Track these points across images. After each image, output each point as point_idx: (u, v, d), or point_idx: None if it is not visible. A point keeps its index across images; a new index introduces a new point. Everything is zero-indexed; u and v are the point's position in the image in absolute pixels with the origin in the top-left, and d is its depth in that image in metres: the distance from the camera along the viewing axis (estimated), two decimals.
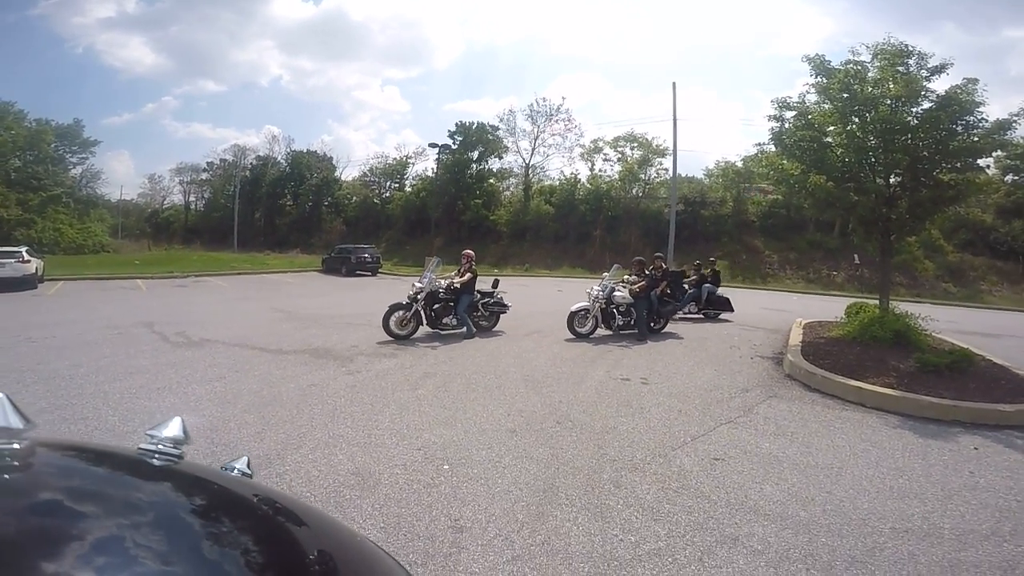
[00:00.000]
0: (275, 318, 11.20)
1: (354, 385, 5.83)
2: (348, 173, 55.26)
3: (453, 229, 39.64)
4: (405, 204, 45.23)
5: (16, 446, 0.45)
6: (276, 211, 53.38)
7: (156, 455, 0.55)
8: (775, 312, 14.36)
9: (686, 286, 11.45)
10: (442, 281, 9.15)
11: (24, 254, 17.07)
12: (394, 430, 4.40)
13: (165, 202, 66.10)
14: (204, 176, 61.03)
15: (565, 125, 43.29)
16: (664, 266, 10.22)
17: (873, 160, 8.61)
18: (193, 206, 63.32)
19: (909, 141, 8.21)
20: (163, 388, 5.48)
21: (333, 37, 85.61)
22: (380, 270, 26.96)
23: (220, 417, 4.62)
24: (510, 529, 2.88)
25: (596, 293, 9.37)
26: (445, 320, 9.01)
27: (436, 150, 37.55)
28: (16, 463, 0.44)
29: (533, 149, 44.35)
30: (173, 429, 0.58)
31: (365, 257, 26.17)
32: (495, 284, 10.17)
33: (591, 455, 4.01)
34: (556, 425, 4.66)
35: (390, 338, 8.40)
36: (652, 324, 9.78)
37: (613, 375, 6.67)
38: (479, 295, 9.50)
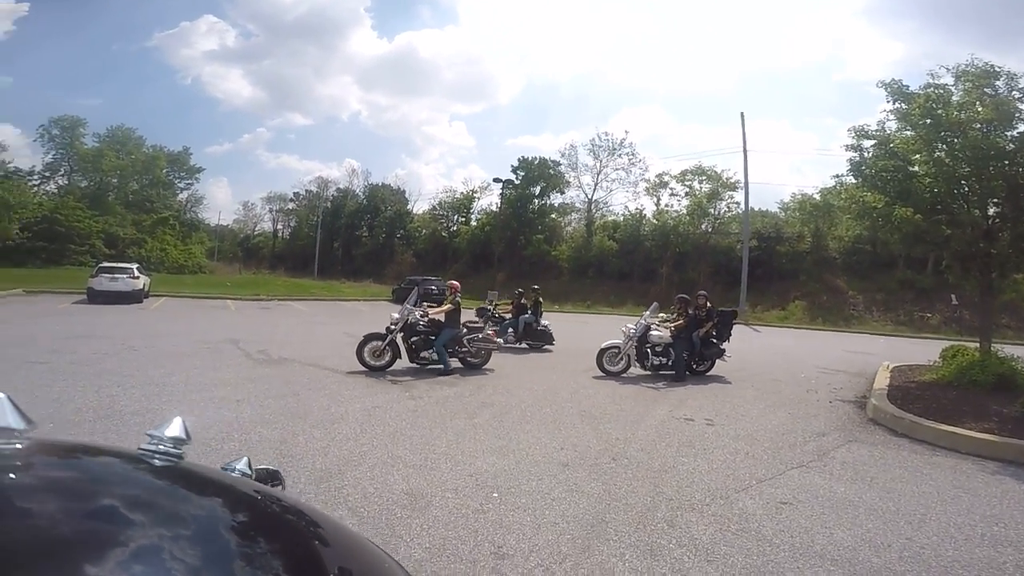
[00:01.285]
0: (347, 342, 11.65)
1: (415, 409, 6.02)
2: (419, 206, 58.06)
3: (515, 263, 40.20)
4: (471, 238, 46.60)
5: (16, 446, 0.44)
6: (353, 242, 56.81)
7: (157, 455, 0.54)
8: (859, 355, 13.27)
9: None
10: (417, 313, 8.52)
11: (135, 271, 19.27)
12: (449, 455, 4.48)
13: (256, 228, 72.21)
14: (291, 206, 66.44)
15: (629, 159, 43.24)
16: (709, 305, 9.61)
17: (966, 189, 8.00)
18: (280, 233, 68.69)
19: (1007, 167, 7.55)
20: (242, 400, 5.91)
21: (404, 73, 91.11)
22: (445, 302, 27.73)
23: (291, 431, 4.92)
24: (552, 560, 2.84)
25: (630, 331, 9.00)
26: (424, 354, 8.39)
27: (500, 185, 38.55)
28: (16, 463, 0.43)
29: (596, 184, 44.52)
30: (174, 429, 0.58)
31: (432, 289, 26.90)
32: (484, 318, 10.49)
33: (646, 492, 3.88)
34: (611, 461, 4.55)
35: (365, 369, 8.05)
36: (694, 366, 9.20)
37: (676, 414, 6.43)
38: (465, 329, 8.80)
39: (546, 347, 11.62)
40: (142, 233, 45.93)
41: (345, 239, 57.26)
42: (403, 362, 8.40)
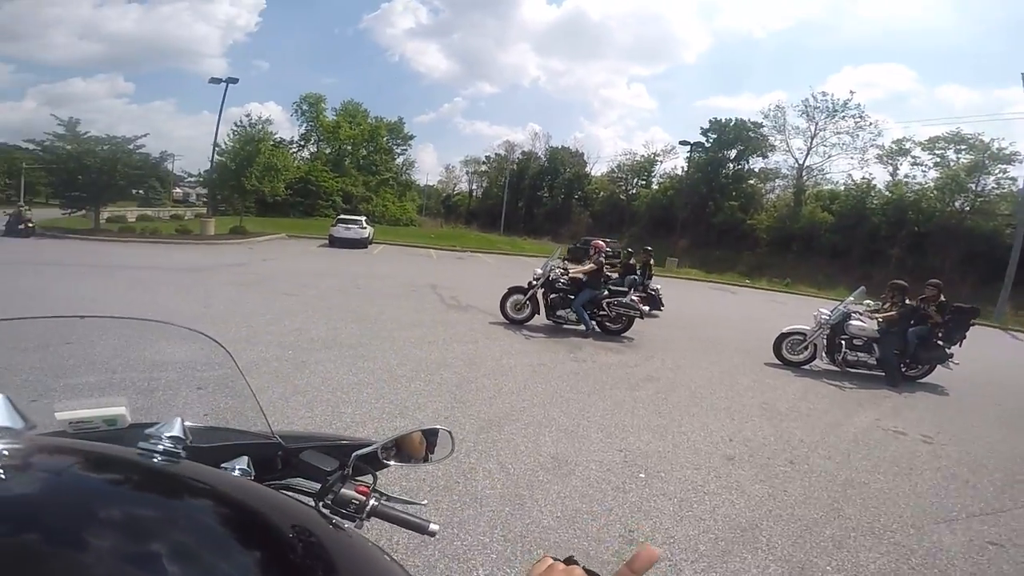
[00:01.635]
0: None
1: (577, 372, 6.19)
2: (597, 169, 57.83)
3: (701, 231, 37.39)
4: (651, 202, 44.55)
5: (16, 446, 0.45)
6: (535, 201, 59.26)
7: (156, 455, 0.55)
8: None
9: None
10: (558, 270, 8.55)
11: (363, 222, 23.56)
12: (602, 426, 4.52)
13: (455, 188, 79.86)
14: (483, 168, 71.63)
15: (855, 122, 35.95)
16: (942, 298, 7.74)
17: None
18: (474, 193, 74.86)
19: None
20: (432, 342, 6.80)
21: (577, 37, 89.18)
22: None
23: (466, 376, 5.50)
24: (683, 557, 2.69)
25: (824, 318, 7.74)
26: (560, 312, 8.36)
27: (687, 148, 35.67)
28: (16, 463, 0.43)
29: (809, 149, 38.38)
30: (173, 429, 0.58)
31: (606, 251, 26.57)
32: (632, 285, 9.65)
33: (820, 506, 3.42)
34: (787, 464, 4.09)
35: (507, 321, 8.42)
36: (904, 368, 7.60)
37: (884, 424, 5.45)
38: (607, 292, 8.44)
39: (653, 311, 10.37)
40: (369, 191, 54.46)
41: (528, 199, 60.11)
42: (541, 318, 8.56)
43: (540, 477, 3.41)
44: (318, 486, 0.88)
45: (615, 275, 10.75)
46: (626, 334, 8.48)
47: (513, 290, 8.64)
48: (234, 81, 24.25)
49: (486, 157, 70.20)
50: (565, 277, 8.47)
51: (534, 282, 8.44)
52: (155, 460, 0.54)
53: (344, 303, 9.12)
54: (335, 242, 22.06)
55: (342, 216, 25.20)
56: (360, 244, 22.42)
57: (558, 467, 3.59)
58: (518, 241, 40.48)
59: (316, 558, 0.49)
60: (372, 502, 0.86)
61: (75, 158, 20.62)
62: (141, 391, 1.02)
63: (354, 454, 0.88)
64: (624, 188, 52.67)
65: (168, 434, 0.57)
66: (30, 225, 17.58)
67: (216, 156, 24.25)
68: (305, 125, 56.05)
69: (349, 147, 56.86)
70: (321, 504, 0.87)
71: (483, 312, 9.41)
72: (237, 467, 0.73)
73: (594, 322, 8.38)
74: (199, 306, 7.92)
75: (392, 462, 0.91)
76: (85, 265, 11.75)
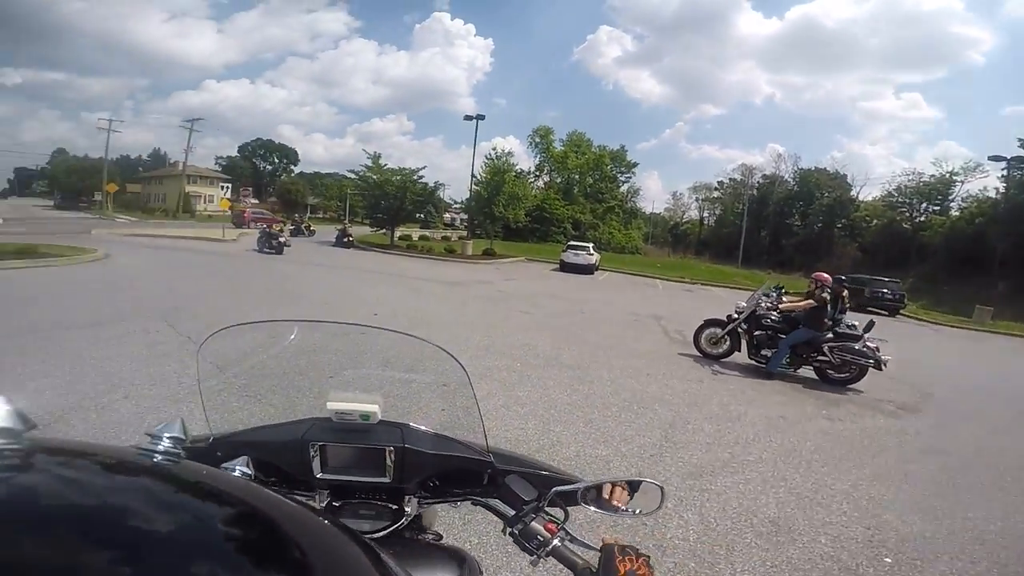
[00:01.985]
0: None
1: (828, 432, 5.28)
2: (867, 192, 48.23)
3: None
4: (949, 232, 35.02)
5: (16, 447, 0.45)
6: (782, 231, 52.66)
7: (156, 455, 0.55)
8: None
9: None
10: (767, 304, 7.55)
11: (591, 249, 24.69)
12: (851, 496, 3.76)
13: (684, 216, 76.62)
14: (715, 194, 66.98)
15: None
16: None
17: None
18: (706, 221, 70.59)
19: None
20: (651, 375, 6.66)
21: (813, 48, 75.94)
22: (902, 311, 21.58)
23: (683, 416, 5.20)
24: None
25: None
26: (765, 352, 7.31)
27: (1002, 165, 26.92)
28: (16, 463, 0.44)
29: None
30: (173, 429, 0.58)
31: (883, 292, 21.24)
32: (869, 326, 7.31)
33: None
34: None
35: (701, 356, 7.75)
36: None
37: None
38: (831, 335, 7.04)
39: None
40: (596, 219, 56.39)
41: (773, 227, 53.79)
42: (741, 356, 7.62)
43: (748, 539, 3.02)
44: (511, 512, 0.91)
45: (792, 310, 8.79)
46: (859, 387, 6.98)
47: (710, 322, 8.02)
48: (482, 118, 27.79)
49: (719, 182, 65.81)
50: (776, 313, 7.48)
51: (736, 315, 7.68)
52: (155, 460, 0.54)
53: (569, 325, 9.66)
54: (565, 267, 23.54)
55: (571, 243, 26.80)
56: (587, 270, 23.50)
57: (775, 533, 3.13)
58: (760, 275, 36.47)
59: (316, 559, 0.48)
60: (555, 541, 0.85)
61: (379, 186, 26.95)
62: (392, 394, 1.15)
63: (554, 489, 0.88)
64: (908, 215, 42.75)
65: (168, 434, 0.57)
66: (350, 239, 25.03)
67: (473, 186, 28.57)
68: (538, 156, 60.95)
69: (576, 176, 59.87)
70: (509, 532, 0.89)
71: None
72: (237, 467, 0.73)
73: (811, 367, 7.24)
74: (456, 313, 9.52)
75: (591, 507, 0.88)
76: (382, 273, 15.42)
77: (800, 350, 7.15)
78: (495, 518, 0.95)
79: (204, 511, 0.49)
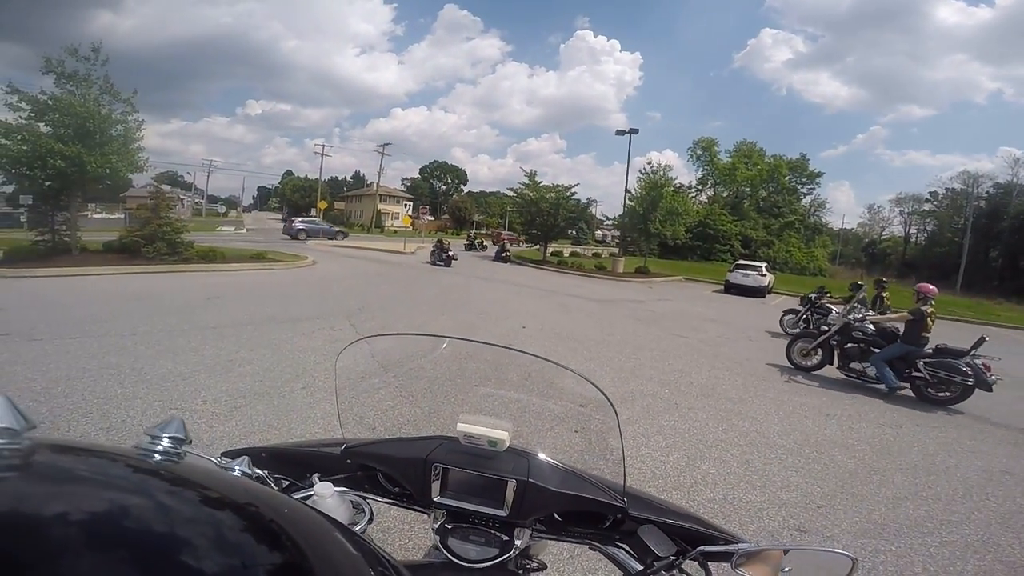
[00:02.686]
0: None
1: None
2: None
3: None
4: None
5: (16, 446, 0.45)
6: (1021, 250, 41.38)
7: (155, 454, 0.55)
8: None
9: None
10: (862, 314, 7.36)
11: (763, 269, 22.08)
12: None
13: (883, 233, 65.07)
14: (927, 207, 55.43)
15: None
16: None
17: None
18: (914, 238, 59.04)
19: None
20: (832, 415, 5.63)
21: None
22: None
23: (871, 466, 4.27)
24: None
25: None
26: (854, 365, 7.17)
27: None
28: (16, 463, 0.44)
29: None
30: (173, 429, 0.58)
31: None
32: (978, 343, 6.53)
33: None
34: None
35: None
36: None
37: None
38: (930, 351, 6.63)
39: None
40: (771, 235, 50.77)
41: (1008, 246, 42.64)
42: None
43: None
44: (637, 567, 0.81)
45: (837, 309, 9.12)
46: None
47: (801, 335, 8.16)
48: (635, 132, 26.65)
49: (931, 193, 54.35)
50: (870, 324, 7.24)
51: (827, 327, 7.60)
52: (155, 460, 0.54)
53: (731, 353, 8.75)
54: (731, 288, 21.44)
55: (740, 262, 24.47)
56: (758, 293, 21.05)
57: None
58: (987, 305, 29.18)
59: (317, 559, 0.48)
60: None
61: (534, 203, 27.79)
62: (525, 421, 1.10)
63: (700, 548, 0.78)
64: None
65: (168, 434, 0.57)
66: (508, 254, 26.68)
67: (627, 202, 27.76)
68: (701, 169, 56.83)
69: (747, 189, 54.60)
70: None
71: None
72: (237, 467, 0.72)
73: (907, 384, 6.73)
74: (603, 333, 9.23)
75: (749, 574, 0.73)
76: (534, 288, 15.79)
77: (896, 365, 6.77)
78: (613, 567, 0.86)
79: (204, 511, 0.49)
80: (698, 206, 47.78)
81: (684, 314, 13.38)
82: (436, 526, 0.85)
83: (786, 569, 0.73)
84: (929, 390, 6.58)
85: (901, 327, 6.95)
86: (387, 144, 58.75)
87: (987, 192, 47.96)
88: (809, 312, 10.74)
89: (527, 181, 28.66)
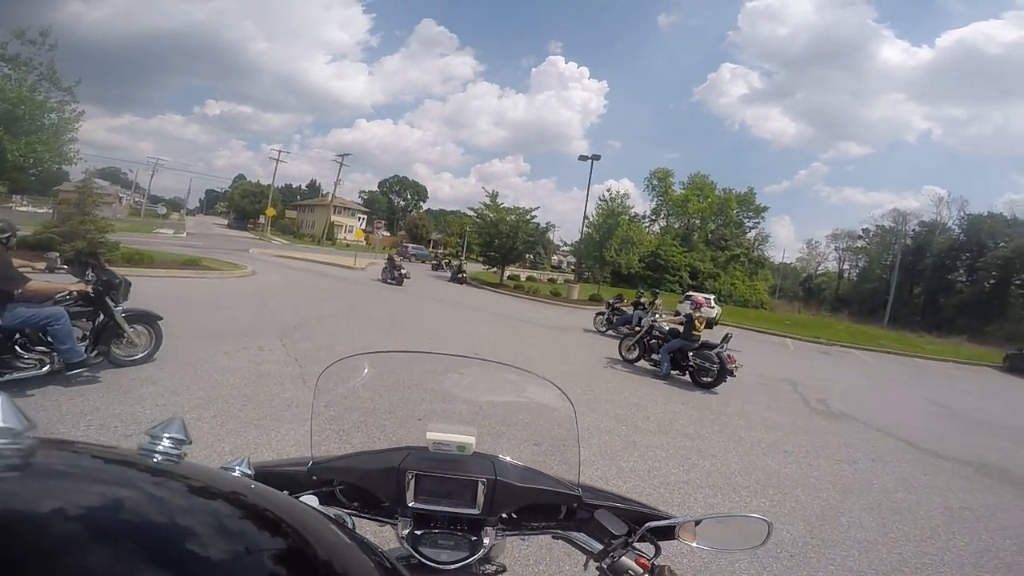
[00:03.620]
0: (933, 413, 9.52)
1: None
2: None
3: None
4: None
5: (16, 446, 0.45)
6: (941, 287, 44.93)
7: (156, 455, 0.55)
8: None
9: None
10: (661, 320, 9.66)
11: (712, 301, 22.63)
12: None
13: (819, 268, 68.85)
14: (859, 243, 59.21)
15: None
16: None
17: None
18: (846, 274, 62.80)
19: None
20: (790, 452, 5.50)
21: (975, 77, 63.16)
22: None
23: (835, 507, 4.11)
24: None
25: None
26: (654, 356, 9.16)
27: None
28: (17, 463, 0.44)
29: None
30: (173, 429, 0.58)
31: None
32: (725, 338, 8.73)
33: None
34: None
35: None
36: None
37: None
38: (697, 344, 8.53)
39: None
40: (717, 268, 52.68)
41: (931, 284, 46.20)
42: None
43: None
44: (598, 547, 0.89)
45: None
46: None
47: (627, 335, 10.09)
48: (597, 158, 26.73)
49: (864, 230, 58.12)
50: (665, 325, 9.34)
51: (638, 329, 9.82)
52: (155, 460, 0.54)
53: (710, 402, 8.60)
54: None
55: (690, 293, 24.95)
56: (708, 324, 21.56)
57: None
58: (911, 338, 31.11)
59: (316, 558, 0.49)
60: None
61: (494, 224, 27.19)
62: (488, 426, 1.12)
63: (647, 524, 0.87)
64: None
65: (168, 434, 0.57)
66: (463, 275, 25.82)
67: (585, 228, 27.83)
68: (656, 200, 58.38)
69: (697, 221, 56.62)
70: (596, 567, 0.88)
71: (866, 426, 7.28)
72: (237, 468, 0.72)
73: (686, 373, 8.56)
74: (557, 361, 8.89)
75: (688, 542, 0.86)
76: (488, 312, 15.33)
77: (677, 356, 8.62)
78: (573, 554, 0.92)
79: (205, 510, 0.49)
80: (651, 236, 49.10)
81: None
82: (405, 533, 0.87)
83: (712, 533, 0.86)
84: (701, 377, 8.33)
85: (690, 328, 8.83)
86: (346, 155, 57.50)
87: (913, 230, 51.58)
88: (611, 314, 14.21)
89: (488, 202, 28.10)
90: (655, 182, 58.49)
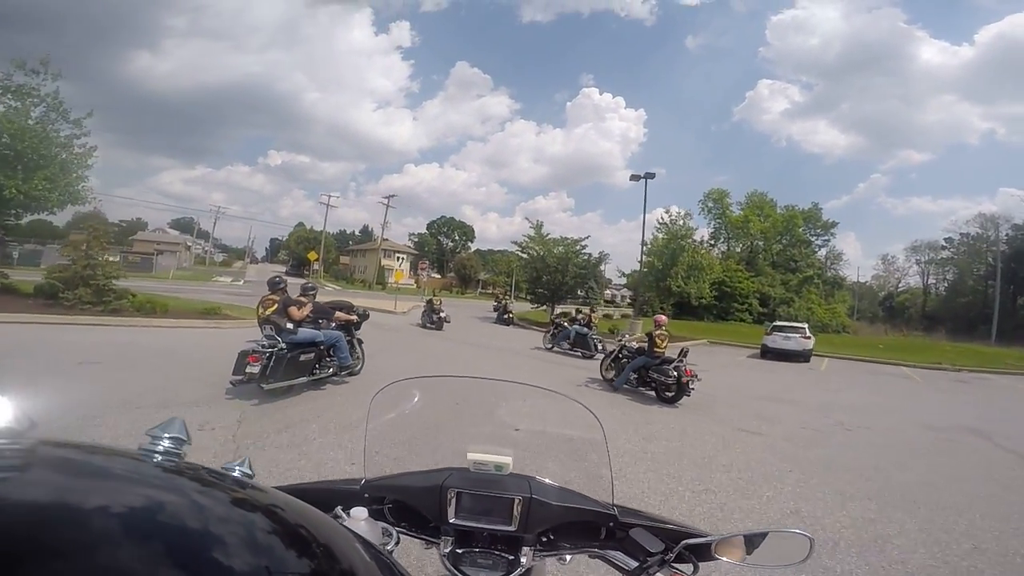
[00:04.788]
0: None
1: None
2: None
3: None
4: None
5: (17, 446, 0.44)
6: None
7: (157, 455, 0.55)
8: None
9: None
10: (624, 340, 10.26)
11: (806, 331, 18.96)
12: None
13: (900, 284, 62.27)
14: (945, 254, 52.75)
15: None
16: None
17: None
18: (934, 289, 56.13)
19: None
20: None
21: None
22: None
23: None
24: None
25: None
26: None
27: None
28: (17, 462, 0.43)
29: None
30: (174, 429, 0.58)
31: None
32: (682, 352, 8.56)
33: None
34: None
35: None
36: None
37: None
38: (658, 361, 8.52)
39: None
40: (789, 292, 47.78)
41: None
42: None
43: None
44: (633, 564, 0.88)
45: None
46: None
47: (606, 356, 10.26)
48: (651, 176, 23.42)
49: (947, 240, 51.76)
50: (634, 343, 9.86)
51: (615, 350, 9.88)
52: (155, 460, 0.54)
53: (839, 456, 5.85)
54: (768, 353, 18.50)
55: (779, 323, 21.14)
56: (801, 357, 18.10)
57: None
58: None
59: (318, 556, 0.48)
60: None
61: (540, 258, 24.74)
62: (525, 447, 1.07)
63: (683, 542, 0.85)
64: None
65: (169, 434, 0.57)
66: (510, 316, 23.35)
67: (644, 256, 24.36)
68: (713, 223, 53.73)
69: (760, 242, 52.04)
70: None
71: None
72: (237, 468, 0.72)
73: (651, 388, 8.51)
74: (639, 436, 6.16)
75: (728, 559, 0.81)
76: (538, 359, 12.93)
77: (641, 372, 8.73)
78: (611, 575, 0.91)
79: (205, 510, 0.49)
80: (717, 261, 45.37)
81: (735, 391, 10.47)
82: (447, 551, 0.90)
83: (755, 553, 0.81)
84: (663, 392, 8.26)
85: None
86: (392, 196, 57.66)
87: (1007, 234, 45.30)
88: (555, 330, 15.32)
89: (532, 234, 25.58)
90: (710, 204, 54.30)
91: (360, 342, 7.63)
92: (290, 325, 6.18)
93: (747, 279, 46.07)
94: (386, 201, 56.30)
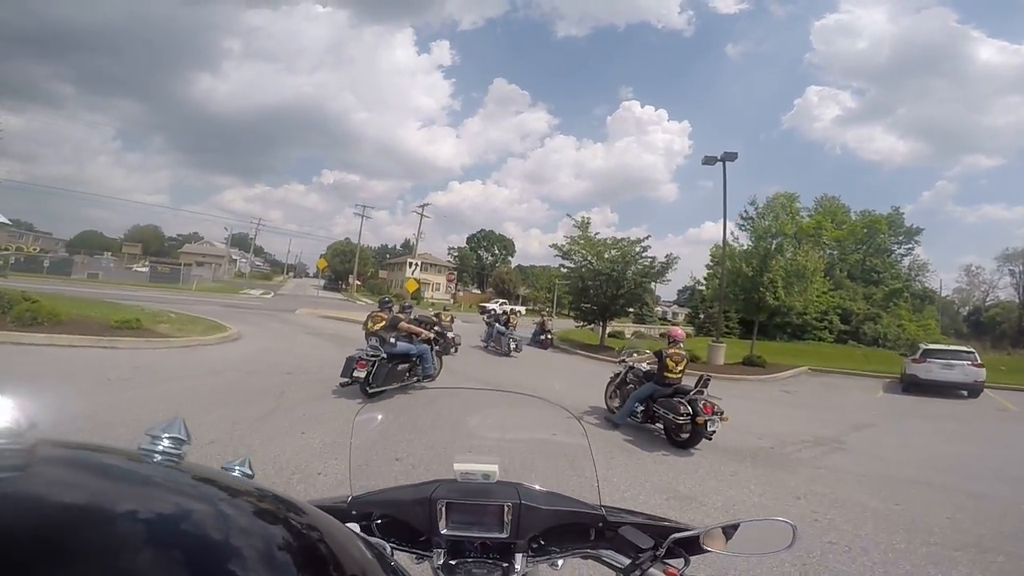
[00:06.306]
0: None
1: None
2: None
3: None
4: None
5: (17, 446, 0.43)
6: None
7: (157, 455, 0.54)
8: None
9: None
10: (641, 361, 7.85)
11: (975, 358, 13.55)
12: None
13: (988, 297, 54.24)
14: None
15: None
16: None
17: None
18: None
19: None
20: None
21: None
22: None
23: None
24: None
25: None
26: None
27: None
28: (17, 462, 0.42)
29: None
30: (174, 429, 0.57)
31: None
32: (701, 381, 6.64)
33: None
34: None
35: None
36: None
37: None
38: (670, 391, 6.61)
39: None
40: (873, 307, 41.46)
41: None
42: None
43: None
44: (625, 562, 0.89)
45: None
46: None
47: (612, 379, 8.02)
48: (732, 157, 18.02)
49: None
50: (644, 366, 7.44)
51: (624, 370, 7.93)
52: (155, 460, 0.54)
53: None
54: (913, 386, 13.52)
55: (933, 347, 15.44)
56: (969, 390, 13.02)
57: None
58: None
59: (317, 557, 0.49)
60: None
61: (588, 263, 19.40)
62: (511, 454, 1.07)
63: (672, 536, 0.87)
64: None
65: (169, 434, 0.57)
66: (550, 337, 18.25)
67: (725, 260, 18.59)
68: (771, 233, 47.52)
69: (835, 252, 45.55)
70: None
71: None
72: (237, 468, 0.72)
73: (660, 425, 6.48)
74: None
75: (716, 550, 0.85)
76: (582, 399, 8.55)
77: (646, 405, 6.77)
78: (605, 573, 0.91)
79: (206, 511, 0.49)
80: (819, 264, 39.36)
81: (919, 465, 5.94)
82: (440, 563, 0.89)
83: (741, 542, 0.85)
84: (677, 434, 6.18)
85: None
86: (426, 204, 55.16)
87: None
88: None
89: (577, 232, 19.66)
90: (777, 209, 48.26)
91: (440, 353, 8.87)
92: (392, 339, 7.18)
93: (825, 292, 39.93)
94: (420, 210, 53.74)
